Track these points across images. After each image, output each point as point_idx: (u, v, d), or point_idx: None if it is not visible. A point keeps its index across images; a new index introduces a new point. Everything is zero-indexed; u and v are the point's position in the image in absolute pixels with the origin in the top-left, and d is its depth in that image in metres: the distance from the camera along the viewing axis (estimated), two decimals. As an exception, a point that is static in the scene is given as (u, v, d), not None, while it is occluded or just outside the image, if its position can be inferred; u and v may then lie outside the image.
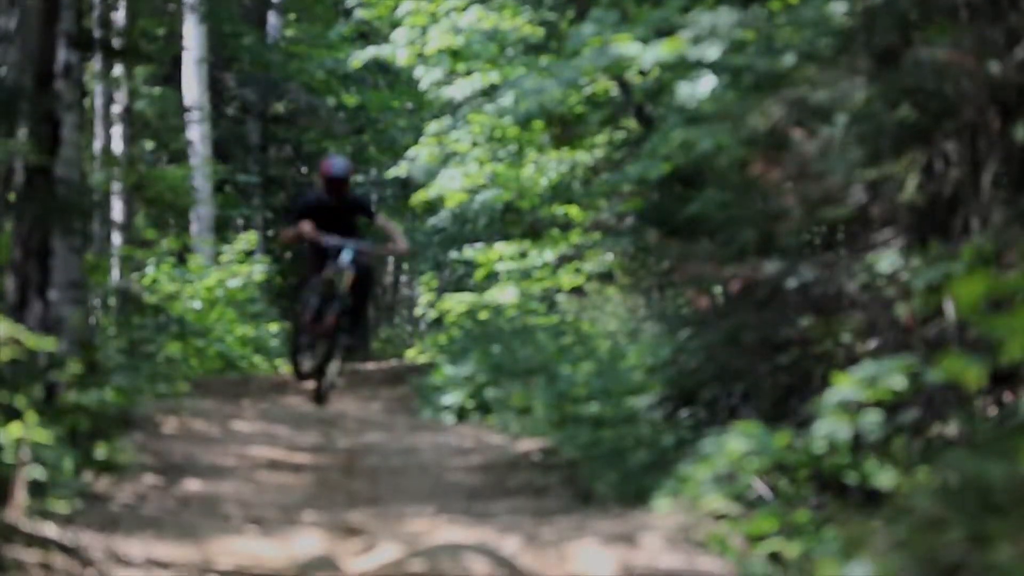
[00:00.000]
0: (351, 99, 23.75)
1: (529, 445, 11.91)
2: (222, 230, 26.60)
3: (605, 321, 16.58)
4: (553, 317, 16.94)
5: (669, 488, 8.55)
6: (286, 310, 26.78)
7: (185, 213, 23.42)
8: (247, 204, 28.31)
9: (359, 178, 31.14)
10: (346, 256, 12.70)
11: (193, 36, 23.02)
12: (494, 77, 19.27)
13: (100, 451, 9.91)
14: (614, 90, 17.04)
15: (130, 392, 10.23)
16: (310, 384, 13.59)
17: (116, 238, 19.32)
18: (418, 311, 25.14)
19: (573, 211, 19.94)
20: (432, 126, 12.90)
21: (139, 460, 10.85)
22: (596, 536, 8.33)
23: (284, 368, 21.85)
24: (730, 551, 7.87)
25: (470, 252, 22.76)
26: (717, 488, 8.07)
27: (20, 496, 7.69)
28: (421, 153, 12.24)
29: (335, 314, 12.86)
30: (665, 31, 11.43)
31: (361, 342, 13.88)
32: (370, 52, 21.97)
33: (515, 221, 21.25)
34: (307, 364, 13.50)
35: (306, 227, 12.95)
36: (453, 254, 26.25)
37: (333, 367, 13.34)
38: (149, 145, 23.32)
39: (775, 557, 7.74)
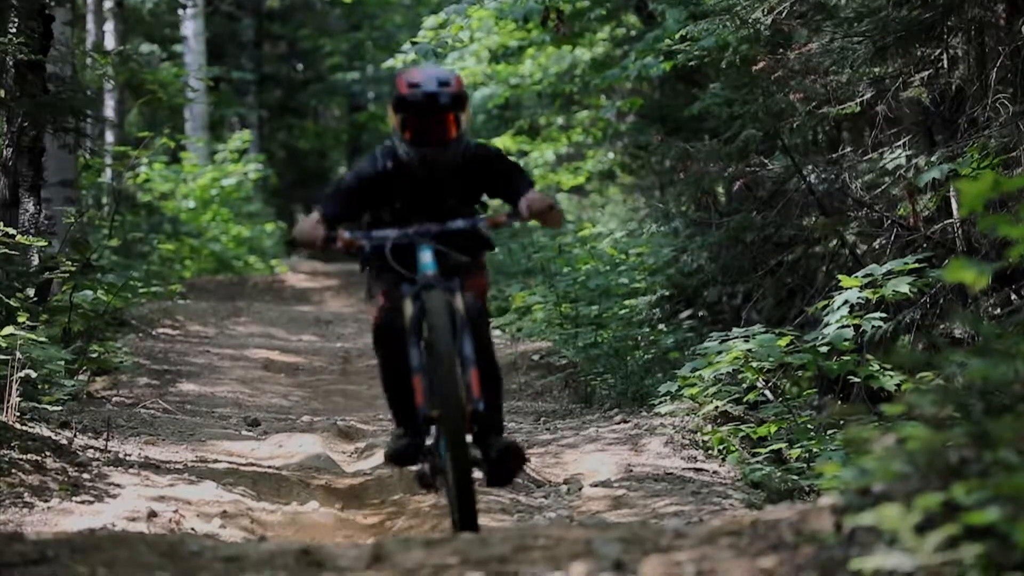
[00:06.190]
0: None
1: (528, 347, 11.84)
2: (216, 128, 26.38)
3: (605, 221, 16.45)
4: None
5: (670, 390, 8.50)
6: (281, 209, 26.63)
7: (179, 111, 23.21)
8: (241, 102, 28.06)
9: (354, 75, 30.65)
10: (426, 261, 5.94)
11: (186, -71, 22.67)
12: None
13: (94, 352, 9.83)
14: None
15: (124, 292, 10.09)
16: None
17: (109, 136, 19.12)
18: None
19: (573, 109, 19.72)
20: (430, 20, 12.60)
21: (134, 361, 10.79)
22: (597, 437, 8.28)
23: (280, 269, 21.75)
24: (732, 453, 7.83)
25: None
26: (719, 390, 8.02)
27: (13, 397, 7.62)
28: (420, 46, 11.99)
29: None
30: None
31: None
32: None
33: (514, 119, 21.03)
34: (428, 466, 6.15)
35: (314, 228, 5.93)
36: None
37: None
38: (146, 48, 23.04)
39: (777, 459, 7.70)
